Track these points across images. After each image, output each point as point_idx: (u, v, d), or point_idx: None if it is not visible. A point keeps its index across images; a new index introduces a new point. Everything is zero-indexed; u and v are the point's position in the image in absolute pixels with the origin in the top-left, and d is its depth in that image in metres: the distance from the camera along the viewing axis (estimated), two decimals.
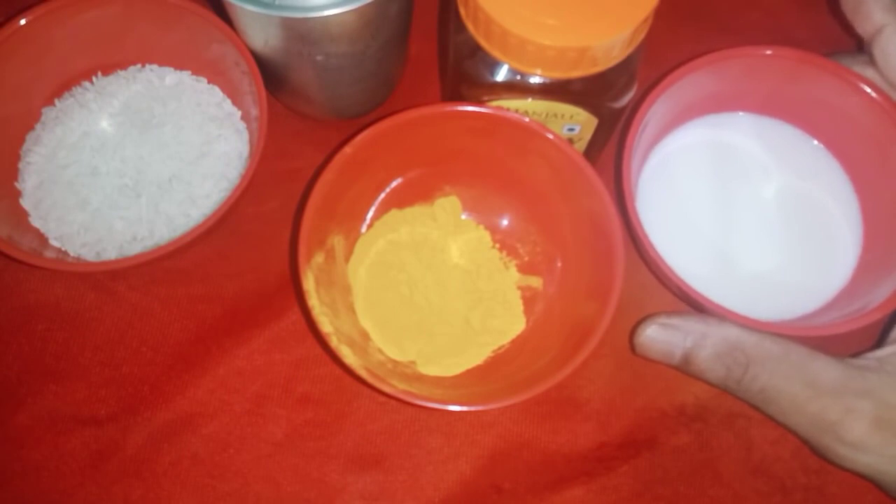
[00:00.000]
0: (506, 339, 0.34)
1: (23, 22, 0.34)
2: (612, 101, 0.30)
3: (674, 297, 0.35)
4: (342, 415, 0.35)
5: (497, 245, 0.36)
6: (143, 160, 0.36)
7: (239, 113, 0.38)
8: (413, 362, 0.34)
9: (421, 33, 0.40)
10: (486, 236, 0.36)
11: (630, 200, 0.31)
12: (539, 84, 0.29)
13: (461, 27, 0.29)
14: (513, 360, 0.34)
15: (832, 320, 0.32)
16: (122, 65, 0.38)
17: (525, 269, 0.36)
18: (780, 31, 0.42)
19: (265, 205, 0.38)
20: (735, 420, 0.35)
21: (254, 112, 0.35)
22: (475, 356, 0.34)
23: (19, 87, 0.36)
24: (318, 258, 0.32)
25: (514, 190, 0.36)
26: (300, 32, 0.31)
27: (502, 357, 0.34)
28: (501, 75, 0.30)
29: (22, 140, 0.36)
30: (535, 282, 0.36)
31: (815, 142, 0.37)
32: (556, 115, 0.31)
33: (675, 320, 0.31)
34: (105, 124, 0.37)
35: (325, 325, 0.30)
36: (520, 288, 0.36)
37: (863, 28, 0.34)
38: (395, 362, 0.33)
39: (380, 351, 0.34)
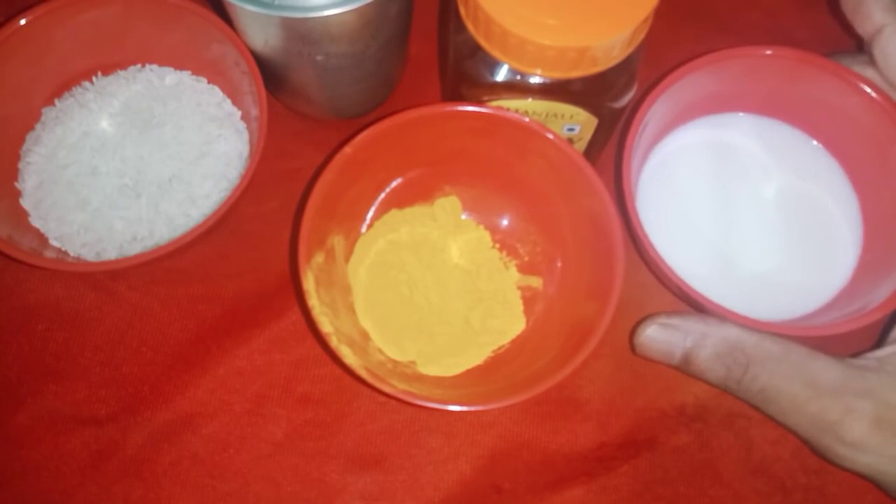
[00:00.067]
0: (506, 339, 0.34)
1: (23, 22, 0.34)
2: (612, 101, 0.30)
3: (674, 297, 0.35)
4: (342, 415, 0.35)
5: (497, 245, 0.36)
6: (143, 160, 0.36)
7: (239, 113, 0.38)
8: (413, 362, 0.34)
9: (421, 33, 0.40)
10: (486, 236, 0.36)
11: (630, 200, 0.31)
12: (539, 84, 0.29)
13: (461, 27, 0.29)
14: (513, 360, 0.34)
15: (832, 320, 0.32)
16: (122, 65, 0.38)
17: (525, 269, 0.36)
18: (780, 31, 0.42)
19: (265, 205, 0.38)
20: (735, 420, 0.35)
21: (254, 112, 0.35)
22: (475, 356, 0.34)
23: (19, 87, 0.36)
24: (318, 258, 0.32)
25: (514, 190, 0.36)
26: (300, 32, 0.31)
27: (502, 357, 0.34)
28: (501, 75, 0.30)
29: (22, 140, 0.36)
30: (535, 282, 0.36)
31: (815, 142, 0.37)
32: (556, 115, 0.31)
33: (675, 320, 0.31)
34: (105, 124, 0.37)
35: (325, 325, 0.30)
36: (520, 288, 0.36)
37: (863, 28, 0.34)
38: (395, 362, 0.33)
39: (380, 351, 0.34)
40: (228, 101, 0.38)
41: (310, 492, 0.34)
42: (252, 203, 0.38)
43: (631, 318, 0.34)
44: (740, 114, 0.38)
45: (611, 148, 0.38)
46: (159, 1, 0.35)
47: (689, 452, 0.34)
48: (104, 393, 0.35)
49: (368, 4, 0.30)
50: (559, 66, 0.28)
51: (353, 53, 0.33)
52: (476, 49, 0.29)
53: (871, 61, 0.34)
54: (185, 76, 0.38)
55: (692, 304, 0.33)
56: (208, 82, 0.38)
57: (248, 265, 0.37)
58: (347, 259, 0.35)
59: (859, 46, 0.35)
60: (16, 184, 0.36)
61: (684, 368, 0.32)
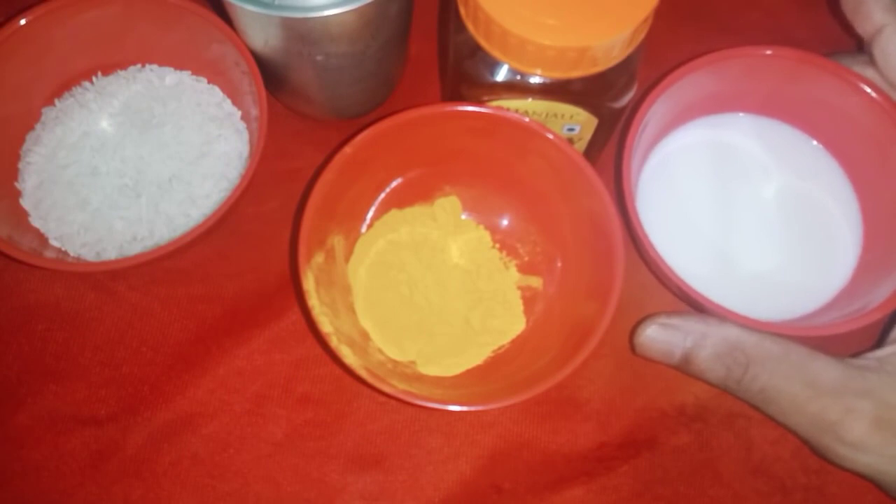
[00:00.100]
0: (506, 339, 0.34)
1: (23, 22, 0.34)
2: (612, 101, 0.30)
3: (674, 297, 0.35)
4: (342, 415, 0.35)
5: (497, 245, 0.36)
6: (143, 160, 0.36)
7: (239, 113, 0.38)
8: (413, 362, 0.34)
9: (421, 33, 0.40)
10: (486, 236, 0.36)
11: (630, 200, 0.31)
12: (539, 84, 0.29)
13: (461, 27, 0.29)
14: (513, 360, 0.34)
15: (832, 320, 0.32)
16: (122, 65, 0.38)
17: (525, 269, 0.36)
18: (780, 31, 0.42)
19: (265, 205, 0.38)
20: (735, 420, 0.35)
21: (254, 112, 0.35)
22: (475, 356, 0.34)
23: (19, 87, 0.36)
24: (318, 258, 0.32)
25: (514, 190, 0.36)
26: (300, 32, 0.31)
27: (502, 357, 0.34)
28: (501, 75, 0.30)
29: (22, 140, 0.36)
30: (535, 282, 0.36)
31: (815, 142, 0.37)
32: (556, 115, 0.31)
33: (674, 320, 0.31)
34: (105, 124, 0.37)
35: (325, 325, 0.30)
36: (520, 288, 0.36)
37: (863, 28, 0.34)
38: (395, 362, 0.33)
39: (380, 351, 0.34)
40: (228, 101, 0.38)
41: (310, 492, 0.34)
42: (252, 203, 0.38)
43: (631, 318, 0.34)
44: (740, 114, 0.38)
45: (611, 148, 0.38)
46: (159, 1, 0.35)
47: (689, 452, 0.34)
48: (104, 393, 0.35)
49: (368, 4, 0.30)
50: (559, 66, 0.28)
51: (353, 53, 0.33)
52: (476, 49, 0.29)
53: (871, 61, 0.34)
54: (185, 76, 0.38)
55: (692, 304, 0.33)
56: (208, 82, 0.38)
57: (248, 265, 0.37)
58: (347, 259, 0.35)
59: (859, 46, 0.35)
60: (16, 184, 0.36)
61: (684, 368, 0.32)
